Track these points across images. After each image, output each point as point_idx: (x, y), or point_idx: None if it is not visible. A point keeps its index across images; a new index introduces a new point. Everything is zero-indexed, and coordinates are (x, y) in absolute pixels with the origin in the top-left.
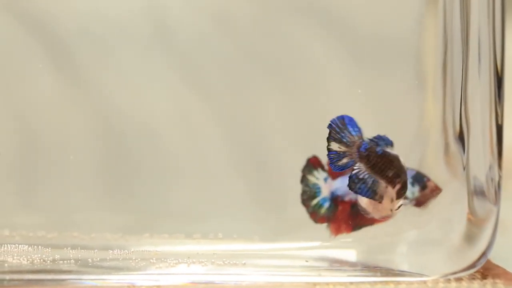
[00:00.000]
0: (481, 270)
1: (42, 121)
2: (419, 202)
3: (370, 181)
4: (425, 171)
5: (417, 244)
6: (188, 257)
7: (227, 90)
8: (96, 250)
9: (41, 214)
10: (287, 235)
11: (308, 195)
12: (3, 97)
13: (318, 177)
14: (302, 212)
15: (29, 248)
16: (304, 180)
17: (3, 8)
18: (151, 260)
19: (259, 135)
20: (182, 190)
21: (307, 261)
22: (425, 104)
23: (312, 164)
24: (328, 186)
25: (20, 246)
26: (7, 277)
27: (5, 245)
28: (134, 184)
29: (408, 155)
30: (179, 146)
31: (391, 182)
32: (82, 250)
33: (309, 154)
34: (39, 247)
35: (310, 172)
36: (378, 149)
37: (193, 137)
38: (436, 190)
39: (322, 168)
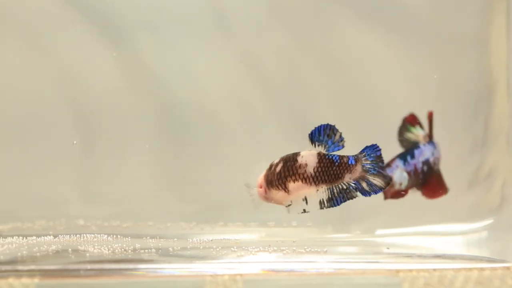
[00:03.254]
0: None
1: (111, 113)
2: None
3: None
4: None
5: (497, 230)
6: (269, 245)
7: (282, 77)
8: (175, 239)
9: (115, 204)
10: (362, 223)
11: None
12: (69, 90)
13: (418, 134)
14: (373, 199)
15: (108, 238)
16: (403, 142)
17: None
18: (232, 249)
19: (317, 122)
20: (248, 178)
21: (388, 248)
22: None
23: (409, 122)
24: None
25: (100, 235)
26: (88, 266)
27: (85, 235)
28: (202, 173)
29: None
30: (242, 133)
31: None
32: (162, 239)
33: (364, 141)
34: (119, 236)
35: (408, 130)
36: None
37: (254, 123)
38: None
39: (420, 125)
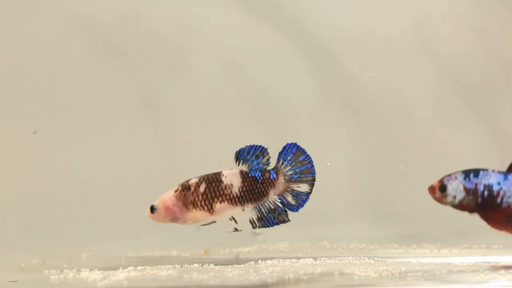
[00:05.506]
0: None
1: (309, 123)
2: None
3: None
4: None
5: None
6: None
7: (479, 89)
8: (437, 262)
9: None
10: None
11: None
12: (268, 110)
13: None
14: None
15: (370, 260)
16: None
17: (270, 14)
18: (499, 272)
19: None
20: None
21: None
22: None
23: None
24: None
25: (362, 258)
26: None
27: (346, 257)
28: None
29: None
30: (446, 144)
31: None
32: (425, 263)
33: None
34: (379, 259)
35: None
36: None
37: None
38: None
39: None
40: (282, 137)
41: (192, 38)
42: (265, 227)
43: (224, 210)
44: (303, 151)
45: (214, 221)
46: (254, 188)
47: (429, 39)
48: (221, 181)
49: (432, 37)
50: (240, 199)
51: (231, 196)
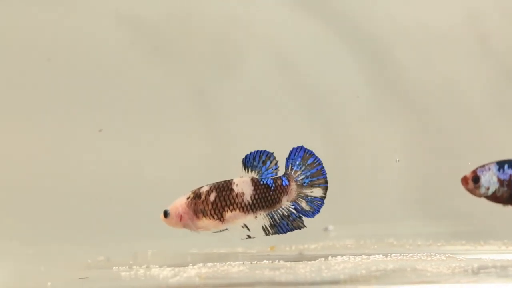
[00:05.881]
0: None
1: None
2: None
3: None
4: None
5: None
6: None
7: None
8: (508, 258)
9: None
10: None
11: None
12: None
13: None
14: None
15: (442, 257)
16: None
17: (326, 11)
18: None
19: None
20: None
21: None
22: None
23: None
24: None
25: (434, 255)
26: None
27: (417, 254)
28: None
29: None
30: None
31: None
32: (497, 259)
33: None
34: (450, 255)
35: None
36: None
37: None
38: None
39: None
40: (341, 137)
41: (245, 36)
42: (279, 233)
43: (235, 218)
44: (311, 154)
45: (227, 229)
46: (266, 195)
47: (484, 33)
48: (232, 190)
49: (487, 31)
50: (252, 207)
51: (243, 204)
